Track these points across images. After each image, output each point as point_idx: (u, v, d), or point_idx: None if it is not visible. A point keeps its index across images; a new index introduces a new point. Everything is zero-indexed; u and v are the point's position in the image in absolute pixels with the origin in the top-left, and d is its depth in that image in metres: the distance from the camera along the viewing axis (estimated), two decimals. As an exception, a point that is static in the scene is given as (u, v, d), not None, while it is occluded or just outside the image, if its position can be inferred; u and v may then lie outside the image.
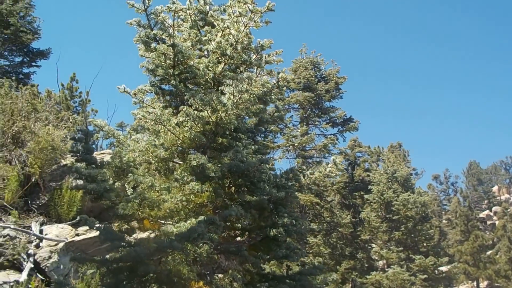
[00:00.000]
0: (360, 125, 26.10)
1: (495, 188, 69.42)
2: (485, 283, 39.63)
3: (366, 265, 25.62)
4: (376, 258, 25.88)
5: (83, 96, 21.19)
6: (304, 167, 12.76)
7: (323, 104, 25.82)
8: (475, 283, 39.38)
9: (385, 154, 37.24)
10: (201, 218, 6.29)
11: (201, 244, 6.52)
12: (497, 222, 55.93)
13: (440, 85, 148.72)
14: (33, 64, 21.62)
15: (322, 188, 23.47)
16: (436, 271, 23.93)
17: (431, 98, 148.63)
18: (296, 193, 9.26)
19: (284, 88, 10.25)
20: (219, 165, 7.27)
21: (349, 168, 36.41)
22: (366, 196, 25.73)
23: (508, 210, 56.62)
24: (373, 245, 25.15)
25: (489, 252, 44.04)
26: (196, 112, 7.56)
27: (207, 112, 7.56)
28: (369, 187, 26.10)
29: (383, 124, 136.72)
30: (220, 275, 8.60)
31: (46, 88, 16.59)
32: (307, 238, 23.25)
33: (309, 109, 25.31)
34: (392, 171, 25.41)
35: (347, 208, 27.01)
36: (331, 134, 25.49)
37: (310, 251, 22.94)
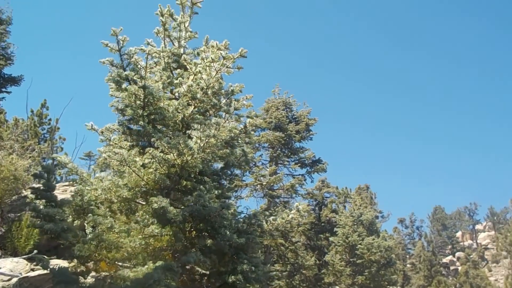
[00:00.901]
0: (328, 166, 26.36)
1: (458, 234, 70.73)
2: (447, 329, 39.75)
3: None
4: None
5: (53, 123, 21.01)
6: (267, 212, 12.81)
7: (293, 144, 26.12)
8: (436, 329, 39.46)
9: (352, 196, 37.66)
10: (158, 263, 6.26)
11: (157, 290, 6.45)
12: (459, 268, 56.78)
13: (407, 134, 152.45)
14: (3, 90, 21.30)
15: (288, 229, 23.51)
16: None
17: (400, 144, 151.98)
18: (259, 238, 9.30)
19: (252, 132, 10.41)
20: (181, 207, 7.29)
21: (316, 208, 36.64)
22: (331, 239, 25.84)
23: (471, 256, 57.67)
24: (337, 289, 25.14)
25: (450, 298, 44.51)
26: (162, 154, 7.62)
27: (173, 155, 7.63)
28: (335, 229, 26.26)
29: (352, 166, 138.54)
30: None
31: (14, 116, 16.40)
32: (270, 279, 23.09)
33: (279, 149, 25.56)
34: (358, 214, 25.68)
35: (312, 249, 27.02)
36: (299, 175, 25.67)
37: (273, 292, 22.78)
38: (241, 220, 8.61)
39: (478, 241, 69.11)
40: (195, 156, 7.65)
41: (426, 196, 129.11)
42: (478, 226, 71.91)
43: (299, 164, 25.68)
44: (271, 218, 9.48)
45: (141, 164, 7.74)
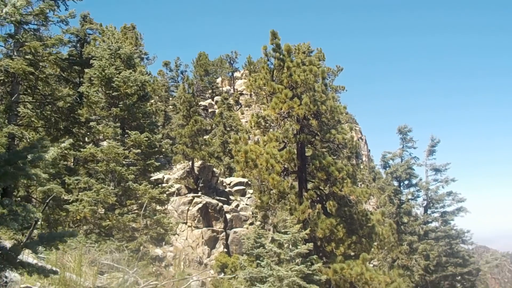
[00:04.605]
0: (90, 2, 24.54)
1: (219, 80, 76.76)
2: (199, 162, 44.55)
3: (87, 140, 25.70)
4: (96, 135, 26.02)
5: None
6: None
7: (43, -36, 23.12)
8: (191, 162, 43.88)
9: (117, 34, 36.60)
10: None
11: None
12: (216, 110, 62.82)
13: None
14: None
15: (38, 58, 21.89)
16: (151, 147, 25.48)
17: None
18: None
19: None
20: None
21: (78, 45, 34.73)
22: (87, 70, 25.07)
23: (227, 100, 63.87)
24: (92, 121, 25.13)
25: (206, 137, 49.54)
26: None
27: None
28: (91, 61, 25.43)
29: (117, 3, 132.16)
30: None
31: None
32: (18, 109, 21.83)
33: (27, -32, 22.42)
34: (116, 48, 25.12)
35: (67, 81, 25.99)
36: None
37: (20, 122, 21.69)
38: None
39: (235, 87, 76.42)
40: None
41: (192, 42, 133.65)
42: (236, 74, 78.91)
43: (50, -12, 23.15)
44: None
45: None
